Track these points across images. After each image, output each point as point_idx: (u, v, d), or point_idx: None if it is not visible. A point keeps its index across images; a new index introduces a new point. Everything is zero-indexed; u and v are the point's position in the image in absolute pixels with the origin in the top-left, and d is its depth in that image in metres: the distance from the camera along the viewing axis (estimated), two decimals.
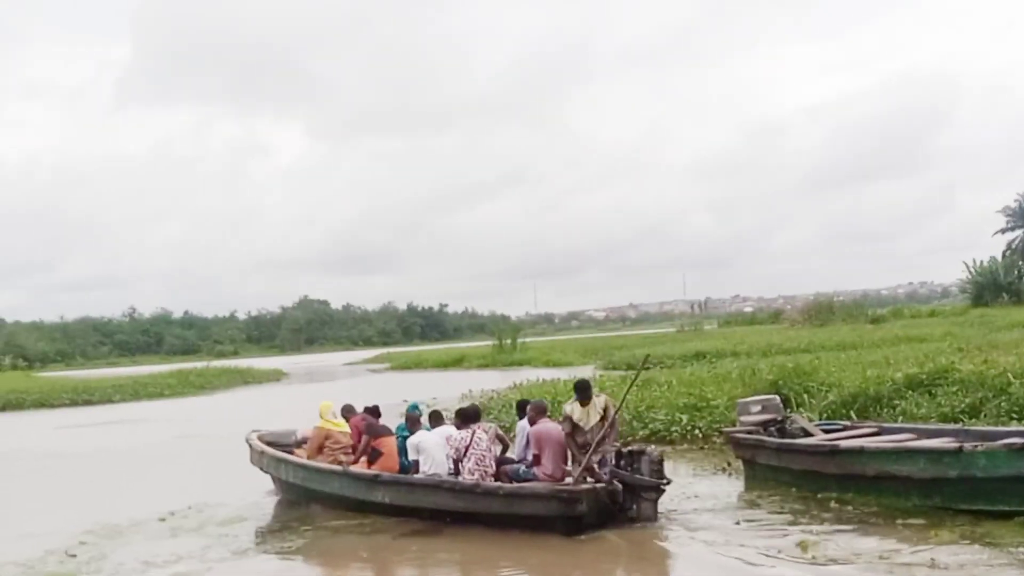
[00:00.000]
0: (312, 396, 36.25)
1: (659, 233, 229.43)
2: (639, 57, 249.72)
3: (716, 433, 13.74)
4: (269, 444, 12.65)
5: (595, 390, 10.06)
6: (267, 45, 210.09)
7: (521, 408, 10.66)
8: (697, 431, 14.40)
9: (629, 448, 9.57)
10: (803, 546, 7.89)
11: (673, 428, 14.69)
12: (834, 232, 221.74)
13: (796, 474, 10.33)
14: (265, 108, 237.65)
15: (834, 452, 9.76)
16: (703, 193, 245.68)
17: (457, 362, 49.84)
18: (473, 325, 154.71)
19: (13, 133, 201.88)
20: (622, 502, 9.19)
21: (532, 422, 9.89)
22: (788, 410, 12.39)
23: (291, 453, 12.21)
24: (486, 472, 9.57)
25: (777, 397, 12.16)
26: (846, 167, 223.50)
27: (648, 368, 10.27)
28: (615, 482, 9.18)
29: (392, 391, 32.50)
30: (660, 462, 9.13)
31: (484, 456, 9.65)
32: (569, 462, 9.50)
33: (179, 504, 11.72)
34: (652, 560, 8.56)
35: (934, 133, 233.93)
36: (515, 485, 9.40)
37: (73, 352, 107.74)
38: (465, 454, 9.66)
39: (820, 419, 12.66)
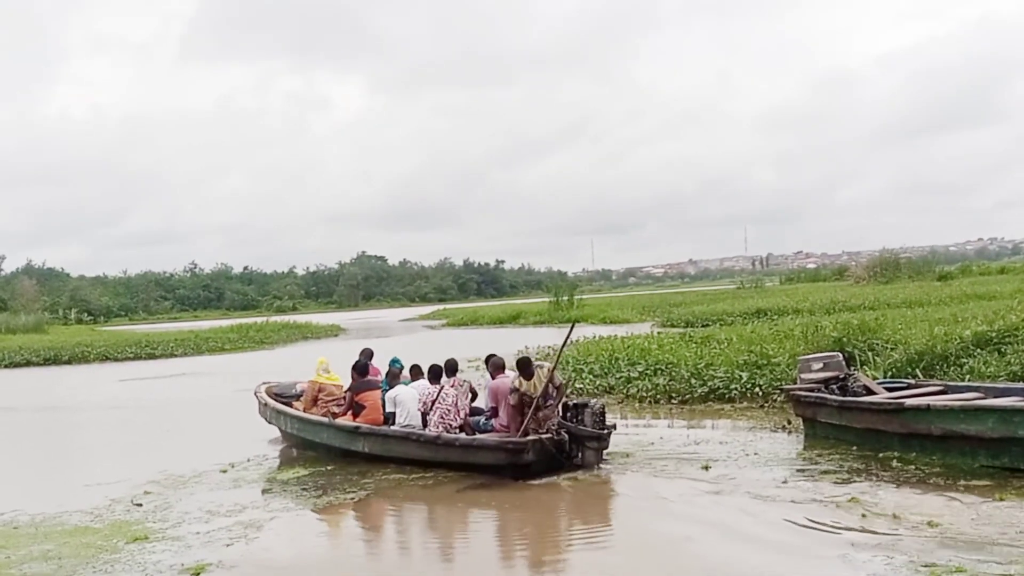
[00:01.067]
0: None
1: (721, 187, 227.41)
2: (706, 6, 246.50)
3: (776, 391, 13.52)
4: (276, 396, 13.52)
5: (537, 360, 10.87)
6: (327, 0, 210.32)
7: (487, 362, 11.33)
8: (757, 389, 14.19)
9: (574, 402, 10.43)
10: (854, 501, 7.75)
11: (732, 386, 14.51)
12: (903, 186, 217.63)
13: (858, 432, 10.13)
14: (326, 62, 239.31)
15: (899, 410, 9.53)
16: (768, 146, 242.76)
17: (513, 319, 49.88)
18: (529, 281, 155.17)
19: (81, 88, 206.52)
20: (569, 451, 9.91)
21: (492, 377, 10.76)
22: (851, 368, 12.14)
23: (290, 405, 12.90)
24: (451, 425, 10.40)
25: (840, 354, 11.90)
26: (918, 118, 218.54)
27: (571, 338, 11.14)
28: (562, 432, 9.88)
29: (448, 347, 32.72)
30: (602, 413, 10.06)
31: (449, 410, 10.45)
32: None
33: (240, 456, 11.92)
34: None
35: (1011, 82, 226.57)
36: (469, 437, 10.29)
37: (136, 306, 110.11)
38: (432, 408, 10.53)
39: (884, 377, 12.36)
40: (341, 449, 11.33)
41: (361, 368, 11.88)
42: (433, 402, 10.57)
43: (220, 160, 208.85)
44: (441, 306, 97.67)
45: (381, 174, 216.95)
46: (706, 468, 9.64)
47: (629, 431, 12.53)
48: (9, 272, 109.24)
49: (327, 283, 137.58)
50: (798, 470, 9.40)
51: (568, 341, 11.09)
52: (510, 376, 10.34)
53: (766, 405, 13.72)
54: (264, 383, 14.49)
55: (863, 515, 7.42)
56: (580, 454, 9.94)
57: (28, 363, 34.57)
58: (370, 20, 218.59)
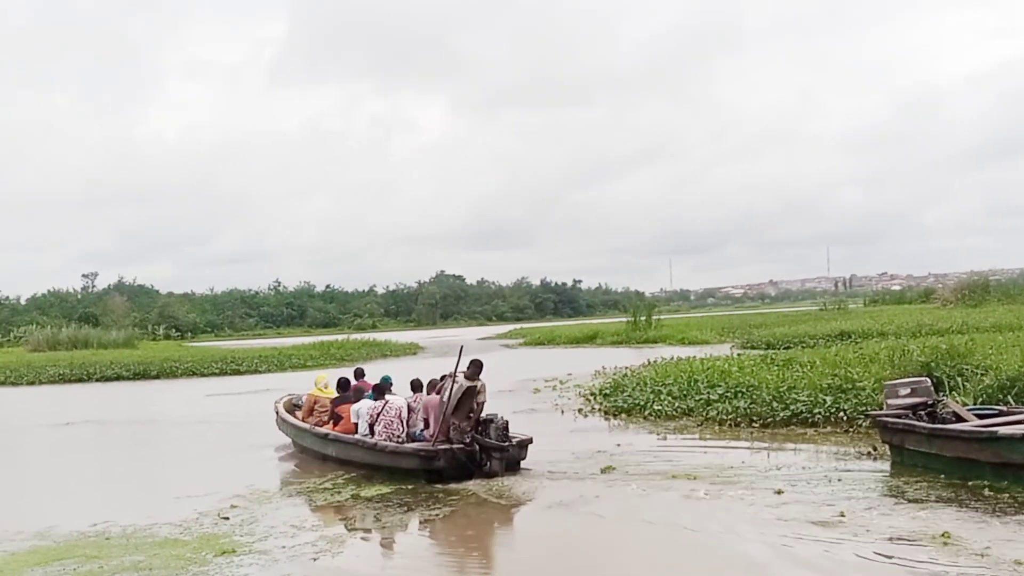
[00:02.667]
0: (446, 369, 36.88)
1: (804, 207, 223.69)
2: (789, 26, 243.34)
3: (861, 416, 13.24)
4: (294, 407, 15.46)
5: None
6: (415, 23, 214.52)
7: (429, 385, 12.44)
8: (842, 413, 13.91)
9: (484, 417, 11.25)
10: (944, 536, 7.50)
11: (816, 410, 14.25)
12: (992, 207, 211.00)
13: (947, 461, 9.84)
14: (410, 84, 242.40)
15: (991, 439, 9.25)
16: (852, 166, 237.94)
17: (590, 338, 49.73)
18: (606, 301, 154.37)
19: (174, 111, 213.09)
20: (479, 461, 11.05)
21: (427, 393, 12.09)
22: (940, 394, 11.83)
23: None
24: (393, 434, 11.73)
25: (928, 380, 11.60)
26: (1008, 138, 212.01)
27: (459, 361, 11.67)
28: (473, 444, 11.04)
29: (524, 366, 32.77)
30: (505, 428, 11.19)
31: (392, 421, 11.81)
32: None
33: (322, 471, 12.13)
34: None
35: None
36: (396, 444, 11.54)
37: (222, 323, 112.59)
38: (377, 419, 11.93)
39: (974, 404, 12.01)
40: (318, 453, 13.15)
41: (343, 383, 13.55)
42: (378, 414, 11.94)
43: (306, 181, 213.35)
44: (518, 325, 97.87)
45: (461, 194, 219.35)
46: (778, 493, 9.49)
47: (708, 454, 12.41)
48: (101, 289, 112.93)
49: (406, 302, 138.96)
50: (883, 498, 9.18)
51: (459, 362, 11.58)
52: (436, 396, 11.63)
53: (851, 430, 13.44)
54: (286, 395, 16.57)
55: (951, 549, 7.20)
56: (488, 464, 11.04)
57: (119, 377, 35.70)
58: (454, 42, 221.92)
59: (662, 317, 55.84)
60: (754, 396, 15.45)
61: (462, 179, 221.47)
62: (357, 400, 12.86)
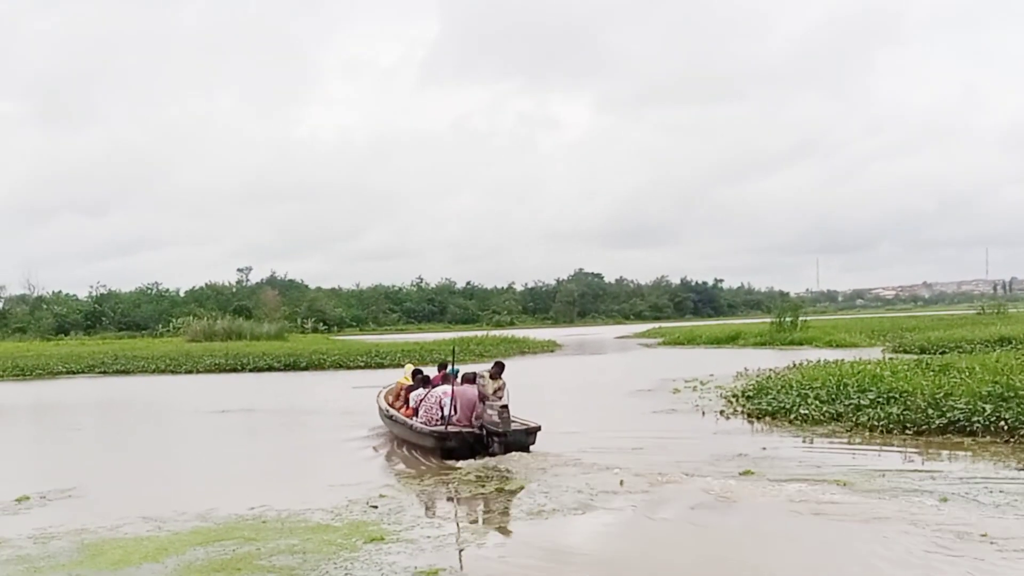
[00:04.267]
0: (583, 368, 36.95)
1: (963, 206, 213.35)
2: (953, 19, 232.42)
3: None
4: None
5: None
6: (563, 21, 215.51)
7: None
8: (1003, 423, 13.19)
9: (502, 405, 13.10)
10: None
11: (975, 418, 13.55)
12: None
13: None
14: (558, 82, 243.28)
15: None
16: (1015, 164, 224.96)
17: (732, 339, 48.77)
18: (748, 301, 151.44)
19: (331, 110, 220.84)
20: (485, 443, 12.74)
21: (460, 384, 13.85)
22: None
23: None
24: (432, 418, 13.67)
25: None
26: None
27: (453, 359, 15.70)
28: (481, 429, 12.89)
29: (663, 366, 32.44)
30: (508, 420, 12.86)
31: (431, 407, 13.79)
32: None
33: (465, 463, 12.35)
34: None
35: None
36: (421, 425, 13.63)
37: (366, 318, 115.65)
38: (419, 405, 14.14)
39: None
40: (398, 438, 14.96)
41: (415, 374, 15.94)
42: (420, 402, 14.20)
43: (452, 179, 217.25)
44: (656, 324, 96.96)
45: (603, 192, 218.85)
46: (943, 500, 9.09)
47: (858, 460, 12.01)
48: (255, 283, 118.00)
49: (544, 299, 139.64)
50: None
51: (454, 357, 15.82)
52: (469, 387, 13.69)
53: (1012, 441, 12.75)
54: (386, 387, 18.23)
55: None
56: (492, 446, 12.71)
57: (270, 368, 37.25)
58: (602, 40, 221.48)
59: (808, 318, 54.29)
60: (907, 402, 14.84)
61: (605, 177, 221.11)
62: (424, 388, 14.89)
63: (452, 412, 13.25)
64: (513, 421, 13.10)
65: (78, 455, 15.87)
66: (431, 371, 16.81)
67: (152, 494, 11.37)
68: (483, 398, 13.37)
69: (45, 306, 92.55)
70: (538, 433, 13.16)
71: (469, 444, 12.82)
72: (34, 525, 9.42)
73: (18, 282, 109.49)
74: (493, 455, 12.59)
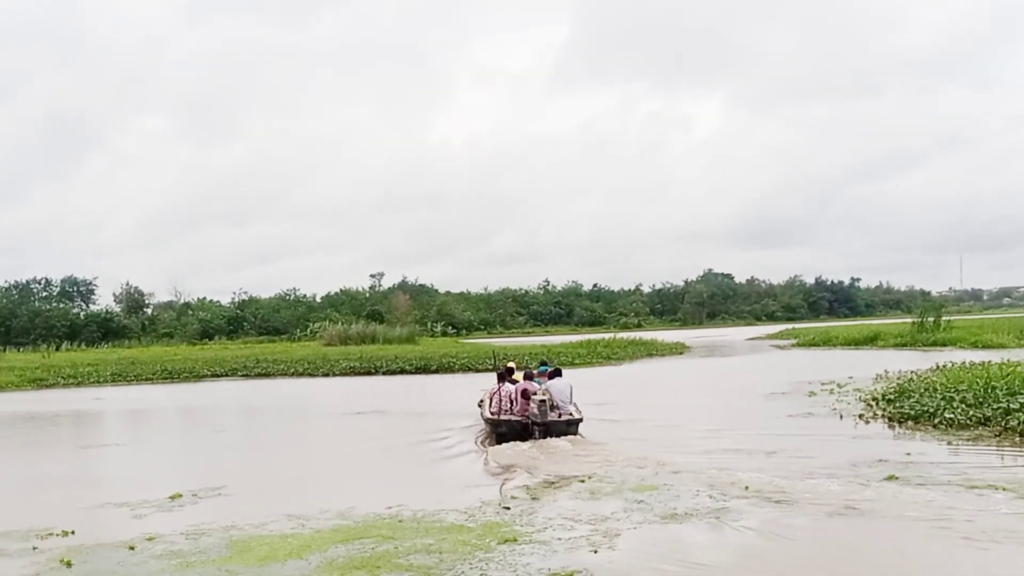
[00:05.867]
0: (714, 370, 36.36)
1: None
2: None
3: None
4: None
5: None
6: (693, 19, 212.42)
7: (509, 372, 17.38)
8: None
9: (542, 400, 15.59)
10: None
11: None
12: None
13: None
14: (688, 81, 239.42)
15: None
16: None
17: (870, 340, 47.15)
18: (887, 301, 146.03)
19: (463, 117, 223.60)
20: (530, 430, 15.32)
21: (508, 383, 16.67)
22: None
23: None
24: (503, 410, 16.14)
25: None
26: None
27: (494, 367, 18.68)
28: (527, 419, 15.49)
29: (798, 368, 31.61)
30: (545, 412, 15.44)
31: (502, 400, 16.23)
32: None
33: (591, 468, 12.36)
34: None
35: None
36: (488, 415, 16.54)
37: (494, 321, 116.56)
38: (491, 400, 16.71)
39: None
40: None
41: (500, 375, 17.36)
42: (491, 396, 16.73)
43: (580, 182, 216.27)
44: (790, 325, 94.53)
45: (734, 191, 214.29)
46: None
47: (1009, 466, 11.45)
48: (387, 288, 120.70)
49: (672, 300, 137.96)
50: None
51: (496, 363, 18.48)
52: (516, 384, 16.41)
53: None
54: (484, 389, 19.27)
55: None
56: (535, 433, 15.25)
57: (402, 371, 38.05)
58: (733, 36, 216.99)
59: (951, 318, 51.98)
60: None
61: (736, 176, 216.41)
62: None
63: (510, 405, 16.05)
64: (560, 414, 15.88)
65: (226, 455, 16.62)
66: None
67: (295, 493, 11.82)
68: (529, 395, 15.78)
69: (191, 312, 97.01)
70: (580, 424, 15.85)
71: (517, 431, 15.42)
72: (186, 522, 9.92)
73: (166, 289, 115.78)
74: (535, 439, 15.10)
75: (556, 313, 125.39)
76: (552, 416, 15.57)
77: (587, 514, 9.54)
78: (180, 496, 11.49)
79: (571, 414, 16.07)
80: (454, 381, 33.28)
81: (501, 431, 15.67)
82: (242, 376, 39.30)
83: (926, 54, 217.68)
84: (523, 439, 15.15)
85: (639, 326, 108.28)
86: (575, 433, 15.57)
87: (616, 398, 23.55)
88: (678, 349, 50.89)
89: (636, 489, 10.91)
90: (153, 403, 28.31)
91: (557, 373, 17.28)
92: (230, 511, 10.43)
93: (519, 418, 15.61)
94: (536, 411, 15.46)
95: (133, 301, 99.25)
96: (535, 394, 15.76)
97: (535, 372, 17.73)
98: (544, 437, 15.12)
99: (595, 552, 8.03)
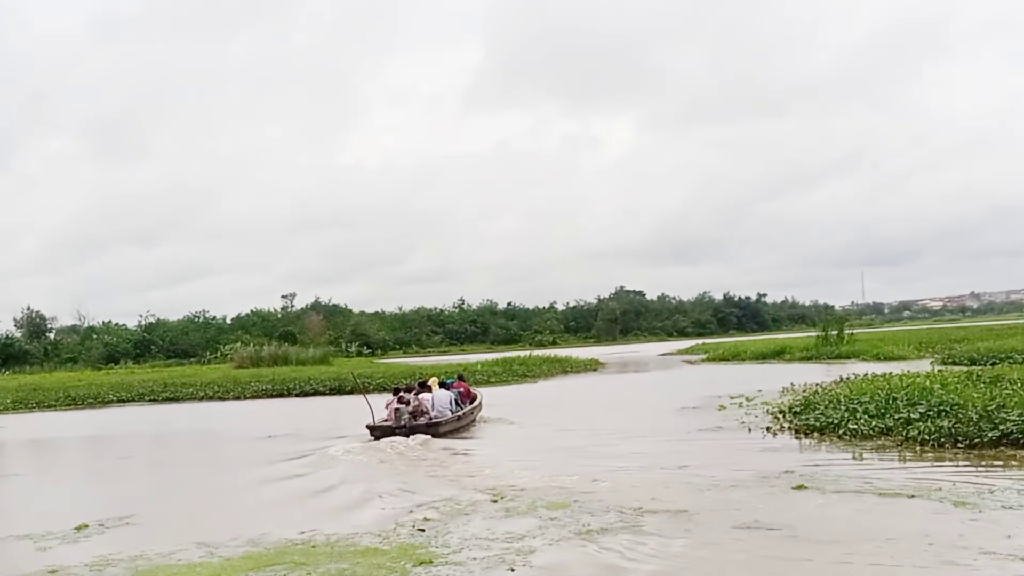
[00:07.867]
0: (627, 386, 36.80)
1: (1011, 216, 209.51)
2: (1001, 27, 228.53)
3: None
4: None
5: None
6: (605, 41, 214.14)
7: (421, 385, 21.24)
8: None
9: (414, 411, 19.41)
10: None
11: None
12: None
13: None
14: (600, 103, 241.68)
15: None
16: None
17: (777, 354, 48.31)
18: (793, 315, 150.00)
19: (377, 137, 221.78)
20: (395, 432, 18.64)
21: (415, 394, 20.21)
22: None
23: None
24: (389, 417, 19.37)
25: None
26: None
27: (365, 390, 22.36)
28: (403, 425, 18.91)
29: (708, 383, 32.22)
30: (402, 416, 19.07)
31: (390, 410, 19.46)
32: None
33: (510, 485, 12.38)
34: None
35: None
36: (373, 421, 19.49)
37: (409, 340, 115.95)
38: (386, 408, 19.87)
39: None
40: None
41: (406, 389, 20.68)
42: (386, 406, 19.93)
43: (495, 202, 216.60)
44: (700, 340, 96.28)
45: (645, 210, 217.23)
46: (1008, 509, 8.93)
47: (911, 474, 11.84)
48: (299, 308, 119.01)
49: (585, 318, 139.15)
50: None
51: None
52: (421, 396, 20.15)
53: None
54: None
55: None
56: (396, 432, 18.65)
57: (316, 392, 37.53)
58: (645, 59, 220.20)
59: (854, 331, 53.62)
60: (959, 415, 14.59)
61: (647, 195, 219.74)
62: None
63: (392, 414, 19.34)
64: (430, 419, 19.42)
65: (133, 482, 16.14)
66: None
67: (204, 520, 11.54)
68: (406, 403, 19.39)
69: (95, 336, 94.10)
70: (438, 427, 19.09)
71: (386, 433, 18.68)
72: (93, 553, 9.60)
73: (69, 313, 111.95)
74: (404, 435, 18.48)
75: (472, 331, 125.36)
76: (422, 420, 19.08)
77: (501, 533, 9.52)
78: (86, 527, 11.10)
79: (438, 419, 19.38)
80: (371, 401, 32.83)
81: (376, 435, 18.80)
82: (149, 401, 38.26)
83: (828, 76, 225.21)
84: (388, 436, 18.62)
85: (554, 343, 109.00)
86: (432, 434, 18.67)
87: (525, 416, 23.66)
88: (592, 365, 51.31)
89: (550, 507, 10.96)
90: (57, 430, 27.37)
91: (444, 385, 21.15)
92: (138, 541, 10.12)
93: (388, 423, 19.07)
94: (395, 416, 19.06)
95: (34, 326, 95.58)
96: (407, 404, 19.25)
97: (449, 383, 21.77)
98: (408, 435, 18.51)
99: (512, 571, 8.03)
